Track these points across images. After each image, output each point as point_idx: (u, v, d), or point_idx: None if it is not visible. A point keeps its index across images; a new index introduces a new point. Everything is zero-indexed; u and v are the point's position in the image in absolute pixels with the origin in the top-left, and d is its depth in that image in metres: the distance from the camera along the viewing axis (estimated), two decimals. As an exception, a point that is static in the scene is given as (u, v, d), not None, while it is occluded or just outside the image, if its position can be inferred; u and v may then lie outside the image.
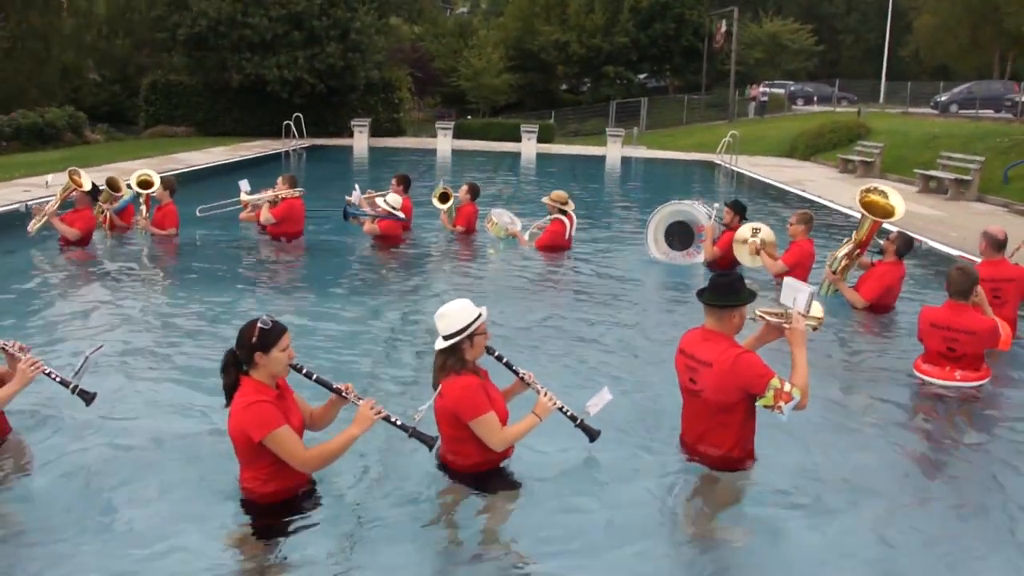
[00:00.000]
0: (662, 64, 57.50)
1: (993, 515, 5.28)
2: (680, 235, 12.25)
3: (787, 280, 5.80)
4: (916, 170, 23.51)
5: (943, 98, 47.59)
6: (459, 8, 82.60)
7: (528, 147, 33.73)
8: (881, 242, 9.85)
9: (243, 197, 13.38)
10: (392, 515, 4.92)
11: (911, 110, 45.18)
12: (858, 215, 10.13)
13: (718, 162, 30.29)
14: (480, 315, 5.00)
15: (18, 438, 5.60)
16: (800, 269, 10.74)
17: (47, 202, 12.22)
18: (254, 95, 36.92)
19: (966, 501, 5.49)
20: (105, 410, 5.97)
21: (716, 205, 11.98)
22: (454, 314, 4.97)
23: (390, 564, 4.50)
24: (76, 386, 5.26)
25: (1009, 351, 8.17)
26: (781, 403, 5.01)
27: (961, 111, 44.02)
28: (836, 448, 6.10)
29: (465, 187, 14.01)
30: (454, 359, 4.98)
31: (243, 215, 13.56)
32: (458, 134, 36.76)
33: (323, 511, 4.83)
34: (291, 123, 31.11)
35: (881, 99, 51.96)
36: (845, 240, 10.19)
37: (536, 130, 34.93)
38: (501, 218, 13.34)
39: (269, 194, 13.06)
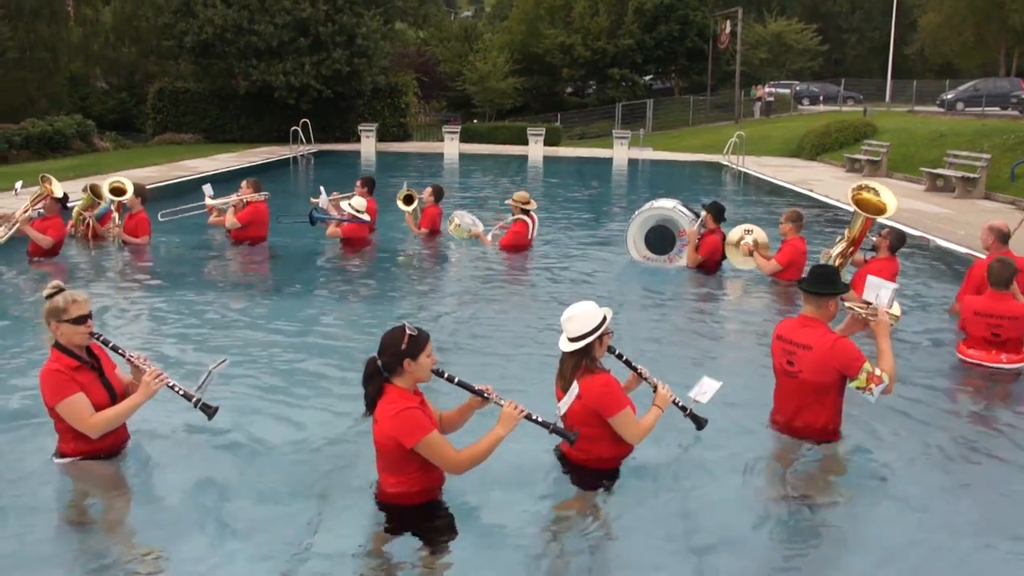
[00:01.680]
0: (667, 66, 57.66)
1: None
2: (661, 239, 12.09)
3: (870, 278, 6.28)
4: (923, 168, 23.50)
5: (949, 96, 47.52)
6: (464, 12, 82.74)
7: (535, 150, 33.82)
8: (874, 239, 9.90)
9: (207, 202, 13.29)
10: (514, 513, 5.05)
11: (917, 108, 45.24)
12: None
13: (725, 163, 30.33)
14: (606, 315, 5.18)
15: (135, 444, 5.62)
16: (794, 267, 10.83)
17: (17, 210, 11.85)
18: (261, 101, 37.10)
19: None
20: (199, 418, 5.80)
21: (702, 214, 11.75)
22: (584, 316, 5.12)
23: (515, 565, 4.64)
24: (199, 400, 5.26)
25: None
26: (872, 385, 5.55)
27: (967, 109, 44.00)
28: (897, 427, 6.42)
29: (429, 189, 14.05)
30: (589, 359, 5.14)
31: (212, 219, 13.41)
32: (465, 138, 36.87)
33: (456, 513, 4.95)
34: (299, 129, 31.25)
35: (887, 98, 51.89)
36: (838, 239, 10.21)
37: (543, 133, 35.01)
38: (463, 219, 13.40)
39: (233, 198, 13.00)
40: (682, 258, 11.91)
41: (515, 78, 53.25)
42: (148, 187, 14.03)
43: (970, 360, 8.01)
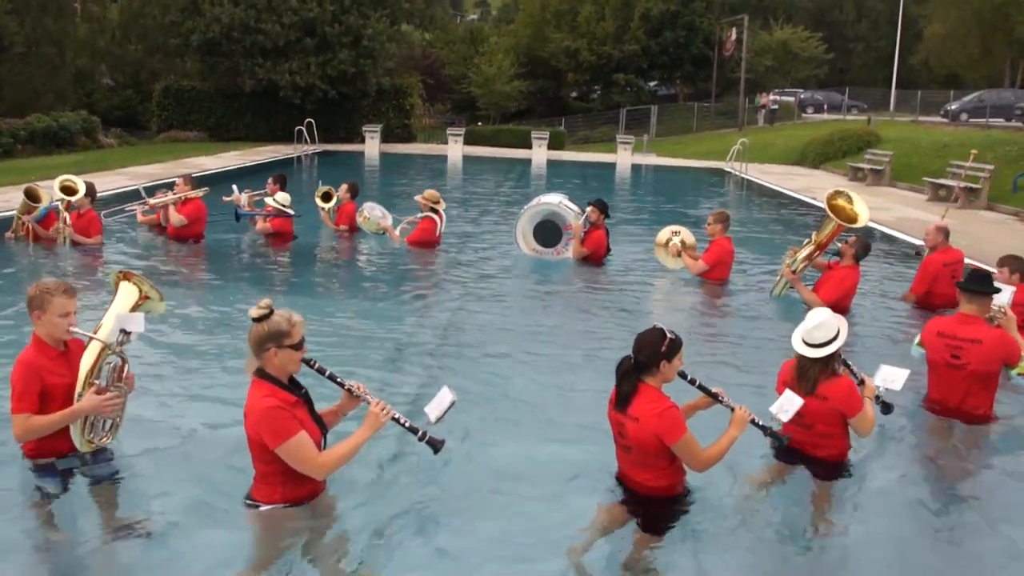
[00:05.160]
0: (672, 72, 57.70)
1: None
2: (548, 233, 12.51)
3: None
4: (926, 178, 23.57)
5: (953, 107, 47.44)
6: (470, 15, 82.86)
7: (539, 154, 33.86)
8: (839, 245, 9.91)
9: (148, 200, 12.94)
10: (742, 501, 5.32)
11: (921, 118, 45.17)
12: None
13: (728, 170, 30.34)
14: (840, 327, 5.47)
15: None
16: (721, 267, 11.06)
17: None
18: (266, 100, 37.14)
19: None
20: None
21: (587, 209, 12.23)
22: (830, 323, 5.42)
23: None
24: (425, 432, 4.76)
25: None
26: None
27: (971, 120, 43.98)
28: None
29: (345, 186, 14.27)
30: (835, 362, 5.48)
31: (141, 218, 13.15)
32: (469, 140, 36.90)
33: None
34: (303, 128, 31.31)
35: (891, 107, 51.81)
36: (805, 241, 10.19)
37: (547, 137, 35.07)
38: (373, 212, 13.62)
39: (171, 196, 12.70)
40: (568, 251, 12.34)
41: (520, 81, 53.30)
42: (152, 184, 13.96)
43: None
